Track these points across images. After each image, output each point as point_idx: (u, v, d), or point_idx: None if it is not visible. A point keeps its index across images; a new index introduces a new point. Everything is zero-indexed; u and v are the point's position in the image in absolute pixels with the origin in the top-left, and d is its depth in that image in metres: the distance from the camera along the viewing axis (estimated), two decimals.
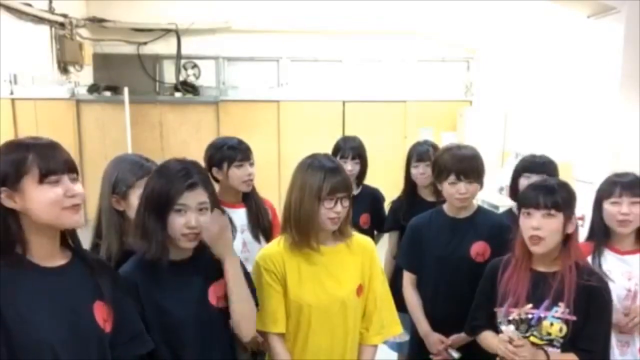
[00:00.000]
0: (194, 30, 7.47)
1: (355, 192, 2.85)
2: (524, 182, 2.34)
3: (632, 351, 1.95)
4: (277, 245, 1.80)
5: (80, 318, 1.30)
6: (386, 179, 3.51)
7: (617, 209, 1.94)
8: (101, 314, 1.34)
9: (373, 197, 2.96)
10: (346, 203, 1.73)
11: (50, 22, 6.52)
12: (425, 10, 7.03)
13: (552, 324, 1.70)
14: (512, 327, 1.69)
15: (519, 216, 1.82)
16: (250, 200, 2.39)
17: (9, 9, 5.69)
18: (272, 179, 7.64)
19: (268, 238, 2.37)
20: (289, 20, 7.31)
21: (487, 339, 1.88)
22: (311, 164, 1.74)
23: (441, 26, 7.30)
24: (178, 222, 1.52)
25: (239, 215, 2.32)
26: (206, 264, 1.64)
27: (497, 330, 1.77)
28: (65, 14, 6.72)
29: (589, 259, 1.96)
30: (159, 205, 1.52)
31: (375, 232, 2.99)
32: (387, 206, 3.00)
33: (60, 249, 1.34)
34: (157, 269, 1.56)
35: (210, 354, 1.61)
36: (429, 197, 2.77)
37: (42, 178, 1.24)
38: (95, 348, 1.32)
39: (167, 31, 7.46)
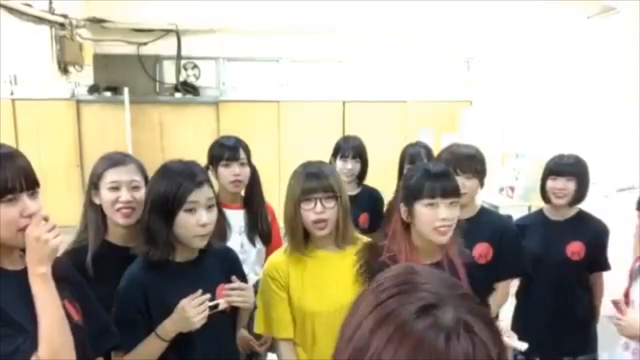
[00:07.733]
0: (194, 31, 7.46)
1: (355, 192, 2.86)
2: (550, 184, 2.34)
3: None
4: (283, 253, 1.80)
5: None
6: (386, 179, 3.50)
7: None
8: (71, 309, 1.32)
9: (372, 197, 2.96)
10: (329, 204, 1.67)
11: (51, 23, 6.51)
12: (425, 10, 7.02)
13: None
14: None
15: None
16: (253, 202, 2.34)
17: (9, 9, 5.69)
18: (272, 180, 7.62)
19: (267, 242, 2.35)
20: (289, 20, 7.29)
21: None
22: (295, 171, 1.76)
23: (441, 26, 7.29)
24: (190, 222, 1.51)
25: (237, 216, 2.30)
26: (212, 265, 1.64)
27: None
28: (66, 15, 6.71)
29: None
30: (167, 206, 1.51)
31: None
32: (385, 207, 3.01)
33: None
34: (164, 270, 1.55)
35: (219, 355, 1.62)
36: None
37: None
38: (79, 343, 1.29)
39: (167, 31, 7.45)
